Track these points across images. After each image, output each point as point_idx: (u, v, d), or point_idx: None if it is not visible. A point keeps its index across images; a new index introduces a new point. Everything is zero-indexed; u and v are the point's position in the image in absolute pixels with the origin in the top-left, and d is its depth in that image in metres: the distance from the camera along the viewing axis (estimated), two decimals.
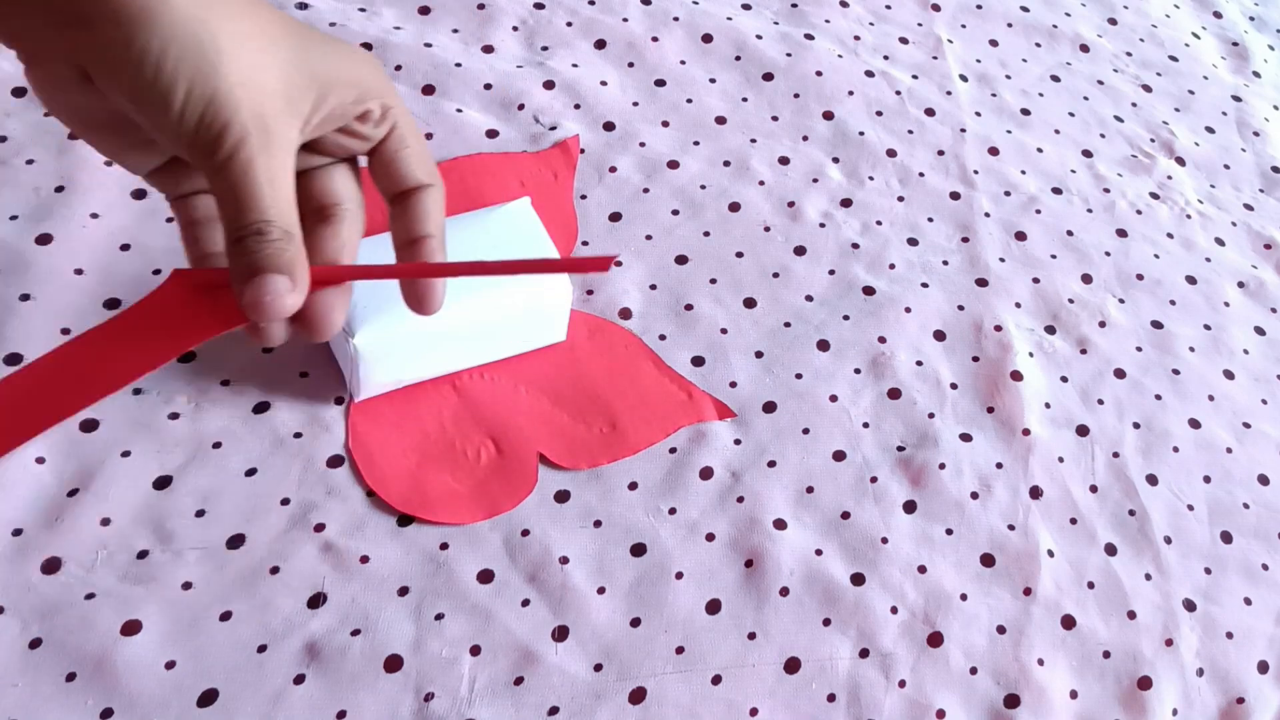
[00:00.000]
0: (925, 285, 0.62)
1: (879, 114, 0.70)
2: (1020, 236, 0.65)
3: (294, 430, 0.51)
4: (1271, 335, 0.65)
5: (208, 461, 0.50)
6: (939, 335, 0.60)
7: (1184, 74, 0.78)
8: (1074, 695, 0.51)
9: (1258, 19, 0.84)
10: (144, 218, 0.56)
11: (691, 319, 0.58)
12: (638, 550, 0.51)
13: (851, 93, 0.70)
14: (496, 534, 0.50)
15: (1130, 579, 0.54)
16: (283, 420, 0.51)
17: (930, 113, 0.71)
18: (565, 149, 0.63)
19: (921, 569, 0.52)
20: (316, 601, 0.47)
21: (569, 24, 0.70)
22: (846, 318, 0.60)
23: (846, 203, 0.65)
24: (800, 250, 0.62)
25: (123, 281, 0.54)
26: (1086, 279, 0.64)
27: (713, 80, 0.69)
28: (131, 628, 0.45)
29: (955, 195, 0.67)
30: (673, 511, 0.52)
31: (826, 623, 0.50)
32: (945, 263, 0.63)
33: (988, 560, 0.53)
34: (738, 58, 0.70)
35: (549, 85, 0.66)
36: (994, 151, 0.69)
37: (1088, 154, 0.71)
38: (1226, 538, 0.56)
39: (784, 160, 0.66)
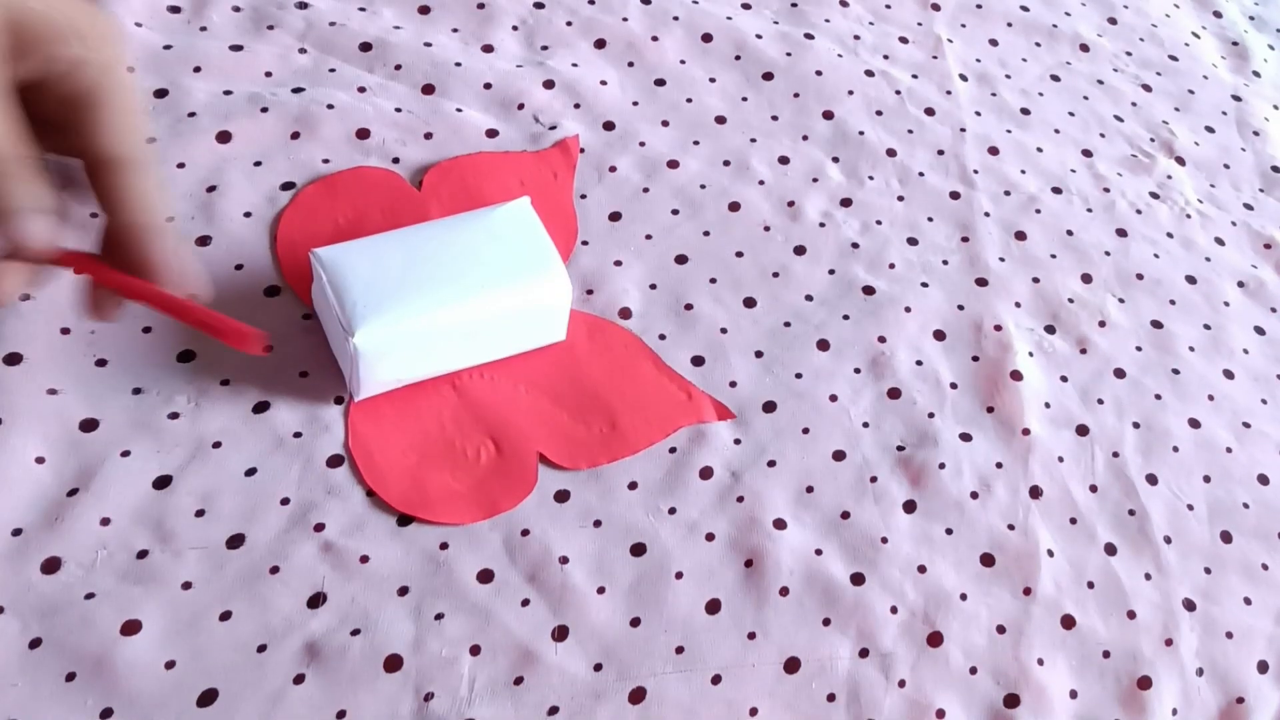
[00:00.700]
0: (925, 285, 0.62)
1: (879, 114, 0.70)
2: (1020, 236, 0.65)
3: (294, 430, 0.51)
4: (1271, 335, 0.65)
5: (207, 461, 0.50)
6: (939, 335, 0.60)
7: (1184, 74, 0.78)
8: (1074, 695, 0.51)
9: (1258, 19, 0.84)
10: None
11: (691, 319, 0.58)
12: (637, 550, 0.51)
13: (851, 92, 0.70)
14: (496, 534, 0.50)
15: (1130, 579, 0.54)
16: (282, 420, 0.51)
17: (930, 112, 0.71)
18: (565, 149, 0.63)
19: (921, 569, 0.52)
20: (316, 601, 0.47)
21: (569, 23, 0.70)
22: (846, 317, 0.60)
23: (846, 202, 0.65)
24: (800, 250, 0.62)
25: None
26: (1086, 279, 0.64)
27: (713, 80, 0.69)
28: (131, 627, 0.45)
29: (955, 195, 0.67)
30: (672, 511, 0.52)
31: (826, 622, 0.50)
32: (945, 262, 0.63)
33: (987, 560, 0.53)
34: (738, 57, 0.70)
35: (549, 85, 0.66)
36: (994, 151, 0.69)
37: (1088, 154, 0.71)
38: (1226, 537, 0.56)
39: (784, 160, 0.66)
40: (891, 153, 0.68)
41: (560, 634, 0.48)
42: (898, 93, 0.71)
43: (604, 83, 0.67)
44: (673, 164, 0.64)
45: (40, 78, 0.32)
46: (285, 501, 0.49)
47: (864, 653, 0.50)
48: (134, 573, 0.46)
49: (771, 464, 0.54)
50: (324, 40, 0.65)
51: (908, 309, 0.61)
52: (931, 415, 0.57)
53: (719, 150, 0.66)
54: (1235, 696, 0.52)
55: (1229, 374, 0.62)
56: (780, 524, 0.52)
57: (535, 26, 0.69)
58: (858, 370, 0.58)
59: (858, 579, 0.51)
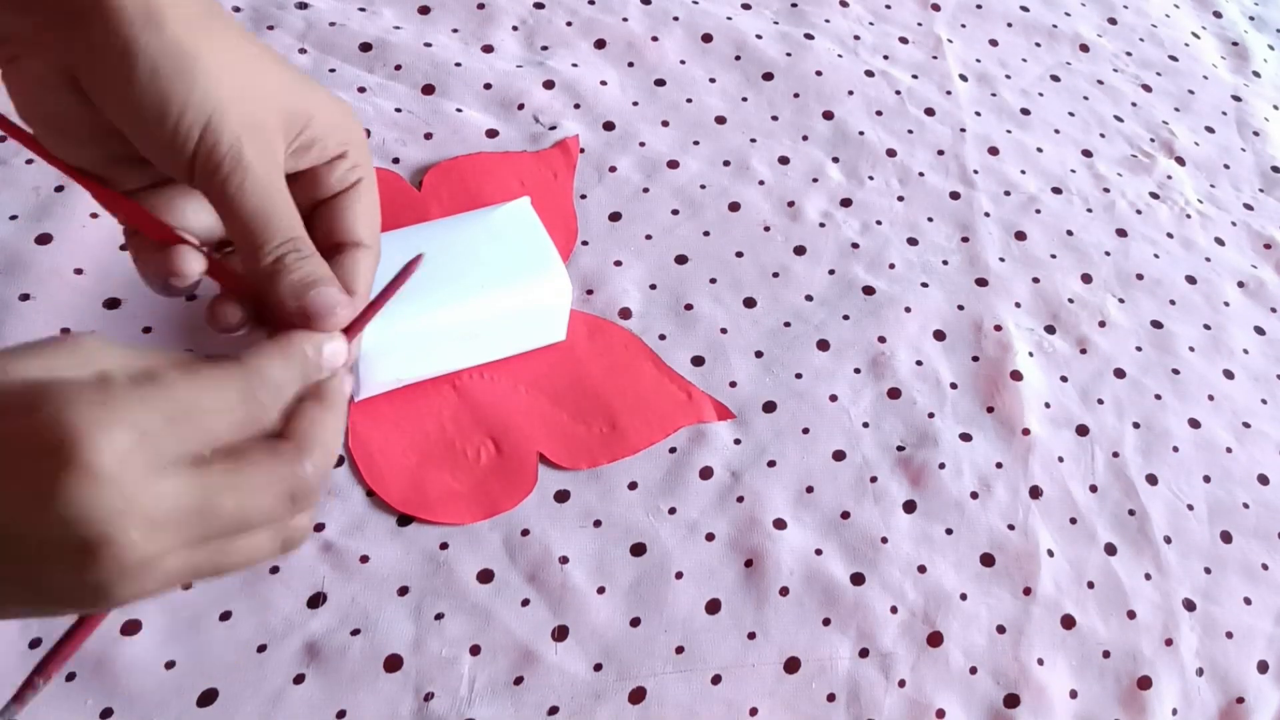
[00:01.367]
0: (925, 285, 0.62)
1: (879, 114, 0.70)
2: (1020, 236, 0.65)
3: None
4: (1271, 335, 0.65)
5: None
6: (939, 335, 0.60)
7: (1184, 74, 0.78)
8: (1074, 695, 0.51)
9: (1258, 19, 0.84)
10: None
11: (691, 319, 0.58)
12: (637, 550, 0.51)
13: (851, 92, 0.70)
14: (496, 534, 0.50)
15: (1130, 579, 0.54)
16: None
17: (930, 112, 0.71)
18: (565, 149, 0.63)
19: (921, 569, 0.52)
20: (316, 601, 0.47)
21: (569, 24, 0.70)
22: (846, 317, 0.60)
23: (846, 202, 0.65)
24: (800, 250, 0.62)
25: (122, 281, 0.54)
26: (1086, 279, 0.64)
27: (712, 80, 0.69)
28: (131, 628, 0.45)
29: (955, 195, 0.67)
30: (672, 511, 0.52)
31: (826, 622, 0.50)
32: (945, 262, 0.63)
33: (987, 560, 0.53)
34: (738, 57, 0.70)
35: (549, 85, 0.66)
36: (994, 151, 0.69)
37: (1088, 154, 0.71)
38: (1226, 537, 0.56)
39: (784, 160, 0.66)
40: (891, 153, 0.68)
41: (560, 634, 0.48)
42: (898, 93, 0.71)
43: (604, 83, 0.67)
44: (673, 164, 0.64)
45: (309, 170, 0.35)
46: None
47: (864, 653, 0.50)
48: None
49: (771, 464, 0.54)
50: (324, 40, 0.65)
51: (908, 309, 0.61)
52: (931, 415, 0.57)
53: (719, 150, 0.66)
54: (1235, 696, 0.52)
55: (1229, 374, 0.62)
56: (780, 524, 0.52)
57: (535, 27, 0.69)
58: (858, 370, 0.58)
59: (858, 579, 0.51)
